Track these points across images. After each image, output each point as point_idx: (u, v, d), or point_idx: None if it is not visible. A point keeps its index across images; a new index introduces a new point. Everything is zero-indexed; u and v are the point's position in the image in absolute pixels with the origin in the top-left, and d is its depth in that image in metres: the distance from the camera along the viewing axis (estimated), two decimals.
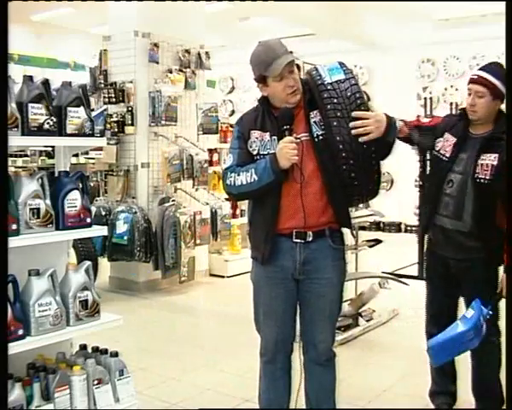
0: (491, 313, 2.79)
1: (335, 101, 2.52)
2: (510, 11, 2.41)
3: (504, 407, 2.94)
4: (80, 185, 2.62)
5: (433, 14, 9.22)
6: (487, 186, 2.88)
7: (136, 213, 6.00)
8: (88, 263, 2.66)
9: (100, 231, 2.78)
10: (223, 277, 7.03)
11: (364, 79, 10.74)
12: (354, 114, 2.50)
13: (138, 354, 4.23)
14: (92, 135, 2.66)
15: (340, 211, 2.65)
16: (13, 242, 2.25)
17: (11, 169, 2.56)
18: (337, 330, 3.36)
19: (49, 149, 7.46)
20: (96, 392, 2.58)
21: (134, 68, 6.17)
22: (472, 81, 2.98)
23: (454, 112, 7.67)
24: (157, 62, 6.23)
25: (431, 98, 8.13)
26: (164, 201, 6.20)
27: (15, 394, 2.32)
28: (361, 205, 4.56)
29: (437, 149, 3.11)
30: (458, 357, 3.09)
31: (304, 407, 2.85)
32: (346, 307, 4.68)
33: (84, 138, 2.62)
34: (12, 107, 2.34)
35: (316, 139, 2.57)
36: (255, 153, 2.63)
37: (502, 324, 2.78)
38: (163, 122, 6.12)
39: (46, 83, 2.51)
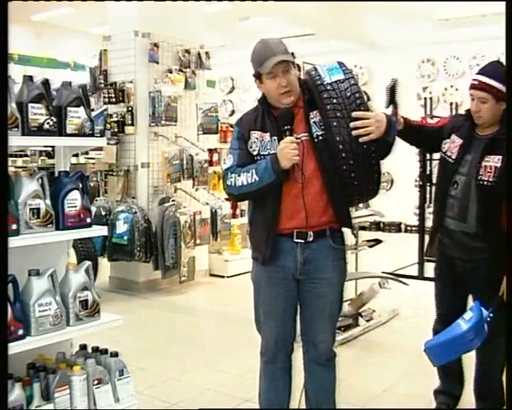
0: (491, 315, 2.79)
1: (335, 101, 2.52)
2: (510, 11, 2.41)
3: (505, 408, 2.94)
4: (80, 185, 2.62)
5: (433, 14, 9.23)
6: (491, 188, 2.87)
7: (136, 213, 6.00)
8: (88, 263, 2.66)
9: (100, 231, 2.78)
10: (223, 277, 7.02)
11: (364, 79, 10.75)
12: (354, 114, 2.49)
13: (138, 354, 4.23)
14: (92, 135, 2.66)
15: (340, 211, 2.65)
16: (13, 242, 2.25)
17: (11, 169, 2.56)
18: (337, 330, 3.36)
19: (49, 149, 7.46)
20: (96, 392, 2.58)
21: (134, 68, 6.17)
22: (473, 87, 2.96)
23: (454, 112, 7.68)
24: (157, 62, 6.23)
25: (431, 98, 8.13)
26: (164, 201, 6.20)
27: (15, 394, 2.32)
28: (361, 205, 4.56)
29: (444, 150, 3.12)
30: (467, 359, 3.11)
31: (303, 406, 2.85)
32: (346, 307, 4.67)
33: (84, 138, 2.62)
34: (12, 107, 2.34)
35: (315, 139, 2.57)
36: (255, 153, 2.63)
37: None
38: (163, 122, 6.12)
39: (46, 83, 2.51)
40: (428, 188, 6.74)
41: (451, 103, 8.42)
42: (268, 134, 2.62)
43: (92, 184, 6.64)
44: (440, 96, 10.16)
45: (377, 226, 10.20)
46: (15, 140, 2.35)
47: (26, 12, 9.19)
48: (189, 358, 4.41)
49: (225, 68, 11.74)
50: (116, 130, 6.18)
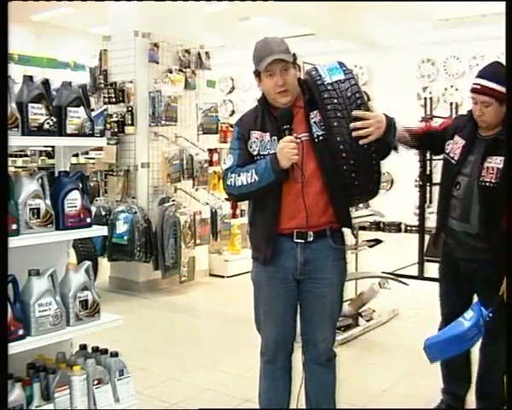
0: (491, 314, 2.80)
1: (335, 101, 2.52)
2: (510, 11, 2.40)
3: (505, 408, 2.94)
4: (80, 185, 2.62)
5: (433, 14, 9.23)
6: (493, 190, 2.87)
7: (136, 213, 6.00)
8: (88, 263, 2.65)
9: (100, 231, 2.78)
10: (223, 277, 7.02)
11: (364, 79, 10.75)
12: (354, 113, 2.49)
13: (138, 354, 4.23)
14: (92, 135, 2.66)
15: (340, 211, 2.65)
16: (13, 242, 2.25)
17: (11, 169, 2.56)
18: (337, 330, 3.36)
19: (49, 149, 7.46)
20: (96, 392, 2.58)
21: (134, 68, 6.17)
22: (476, 91, 2.95)
23: (454, 112, 7.67)
24: (157, 62, 6.23)
25: (431, 98, 8.13)
26: (164, 201, 6.20)
27: (15, 394, 2.32)
28: (361, 205, 4.56)
29: (447, 151, 3.12)
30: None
31: (304, 406, 2.85)
32: (346, 307, 4.67)
33: (84, 138, 2.62)
34: (12, 107, 2.34)
35: (316, 139, 2.57)
36: (255, 153, 2.63)
37: None
38: (163, 122, 6.12)
39: (46, 83, 2.51)
40: (428, 188, 6.74)
41: (451, 103, 8.41)
42: (268, 134, 2.62)
43: (92, 184, 6.64)
44: (440, 96, 10.16)
45: (377, 226, 10.20)
46: (15, 140, 2.35)
47: (26, 12, 9.19)
48: (189, 358, 4.41)
49: (225, 68, 11.74)
50: (116, 130, 6.18)
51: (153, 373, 4.04)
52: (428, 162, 6.58)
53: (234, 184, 2.61)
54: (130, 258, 5.98)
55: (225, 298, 6.27)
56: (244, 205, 6.56)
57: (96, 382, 2.58)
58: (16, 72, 3.95)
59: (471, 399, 3.25)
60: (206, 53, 6.77)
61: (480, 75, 2.99)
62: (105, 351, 2.73)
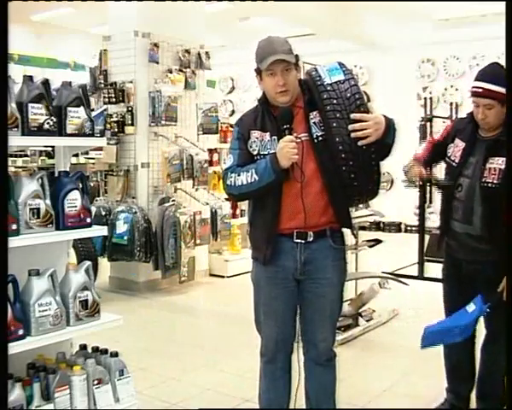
0: (488, 310, 2.81)
1: (335, 102, 2.52)
2: (510, 11, 2.40)
3: (505, 408, 2.94)
4: (80, 185, 2.62)
5: (433, 14, 9.23)
6: (495, 190, 2.87)
7: (136, 213, 6.00)
8: (88, 263, 2.65)
9: (100, 231, 2.78)
10: (223, 277, 7.02)
11: (364, 79, 10.76)
12: (353, 116, 2.49)
13: (138, 354, 4.23)
14: (92, 135, 2.66)
15: (340, 211, 2.65)
16: (13, 242, 2.25)
17: (11, 169, 2.56)
18: (337, 330, 3.36)
19: (49, 149, 7.46)
20: (96, 392, 2.58)
21: (134, 68, 6.17)
22: (478, 94, 2.94)
23: (454, 112, 7.68)
24: (157, 62, 6.23)
25: (431, 98, 8.15)
26: (164, 201, 6.20)
27: (15, 394, 2.32)
28: (361, 205, 4.56)
29: (448, 154, 3.13)
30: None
31: (303, 406, 2.85)
32: (346, 307, 4.67)
33: (84, 138, 2.62)
34: (12, 107, 2.34)
35: (315, 140, 2.57)
36: (255, 153, 2.63)
37: None
38: (163, 122, 6.12)
39: (46, 83, 2.51)
40: (428, 188, 6.74)
41: (451, 103, 8.43)
42: (268, 134, 2.62)
43: (92, 184, 6.64)
44: (440, 96, 10.16)
45: (377, 226, 10.20)
46: (15, 140, 2.35)
47: (26, 12, 9.20)
48: (189, 358, 4.41)
49: (225, 68, 11.74)
50: (116, 130, 6.18)
51: (153, 373, 4.04)
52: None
53: (234, 184, 2.61)
54: (131, 258, 5.98)
55: (225, 298, 6.27)
56: (244, 205, 6.56)
57: (95, 382, 2.58)
58: (16, 72, 3.95)
59: (471, 398, 3.26)
60: (206, 53, 6.77)
61: (481, 78, 2.98)
62: (105, 351, 2.73)
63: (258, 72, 2.63)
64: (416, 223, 7.13)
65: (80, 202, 2.57)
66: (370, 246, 5.20)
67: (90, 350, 2.78)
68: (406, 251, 7.33)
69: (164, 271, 6.09)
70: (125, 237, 5.92)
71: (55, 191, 2.53)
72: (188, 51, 6.54)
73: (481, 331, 3.14)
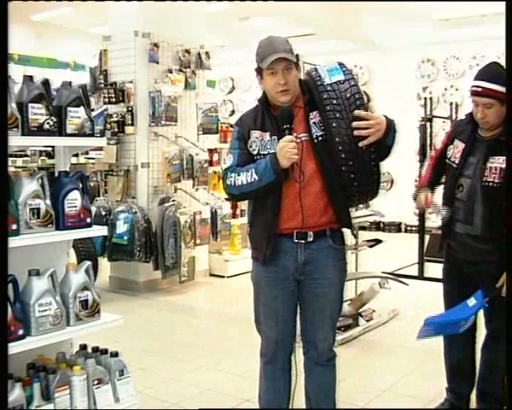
0: (486, 305, 2.82)
1: (335, 102, 2.52)
2: (510, 11, 2.40)
3: (505, 408, 2.94)
4: (80, 185, 2.62)
5: (433, 14, 9.23)
6: (496, 190, 2.87)
7: (136, 213, 6.00)
8: (88, 263, 2.65)
9: (100, 231, 2.78)
10: (223, 277, 7.03)
11: (364, 79, 10.76)
12: (357, 112, 2.49)
13: (138, 354, 4.23)
14: (92, 135, 2.66)
15: (340, 211, 2.65)
16: (13, 242, 2.25)
17: (11, 169, 2.56)
18: (337, 330, 3.36)
19: (49, 149, 7.46)
20: (96, 392, 2.58)
21: (134, 68, 6.17)
22: (477, 94, 2.94)
23: (454, 112, 7.67)
24: (157, 62, 6.23)
25: (431, 98, 8.10)
26: (164, 201, 6.20)
27: (15, 394, 2.32)
28: (361, 205, 4.56)
29: (448, 156, 3.13)
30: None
31: (303, 406, 2.85)
32: (346, 307, 4.67)
33: (84, 138, 2.62)
34: (12, 107, 2.34)
35: (315, 140, 2.57)
36: (255, 153, 2.63)
37: None
38: (163, 122, 6.12)
39: (46, 83, 2.51)
40: None
41: (451, 103, 8.40)
42: (268, 133, 2.62)
43: (92, 184, 6.64)
44: (440, 96, 10.16)
45: (377, 226, 10.20)
46: (15, 140, 2.35)
47: (26, 12, 9.20)
48: (188, 358, 4.40)
49: (225, 68, 11.75)
50: (116, 130, 6.18)
51: (153, 373, 4.04)
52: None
53: (234, 184, 2.61)
54: (130, 258, 5.98)
55: (225, 298, 6.27)
56: (244, 205, 6.56)
57: (96, 382, 2.58)
58: (16, 72, 3.96)
59: (472, 398, 3.26)
60: (206, 53, 6.77)
61: (480, 77, 2.98)
62: (105, 351, 2.73)
63: (259, 71, 2.63)
64: (416, 223, 7.13)
65: (80, 202, 2.57)
66: (370, 246, 5.20)
67: (90, 350, 2.78)
68: (406, 251, 7.33)
69: (164, 271, 6.09)
70: (125, 237, 5.92)
71: (55, 191, 2.53)
72: (188, 51, 6.54)
73: (481, 331, 3.15)
